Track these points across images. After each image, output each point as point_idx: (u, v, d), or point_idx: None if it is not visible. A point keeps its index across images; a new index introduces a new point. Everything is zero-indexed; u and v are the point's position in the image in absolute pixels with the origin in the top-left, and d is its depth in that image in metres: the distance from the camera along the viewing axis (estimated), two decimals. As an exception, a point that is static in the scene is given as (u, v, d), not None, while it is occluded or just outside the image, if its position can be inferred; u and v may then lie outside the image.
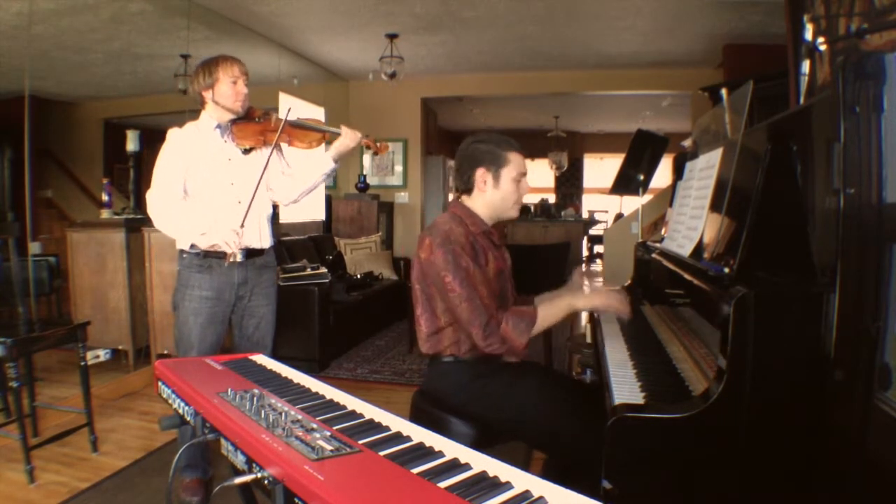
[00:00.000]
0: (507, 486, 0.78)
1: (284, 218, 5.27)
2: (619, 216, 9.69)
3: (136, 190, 3.85)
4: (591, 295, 1.81)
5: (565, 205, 10.79)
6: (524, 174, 1.78)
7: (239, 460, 0.92)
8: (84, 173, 5.53)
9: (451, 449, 0.89)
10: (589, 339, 2.08)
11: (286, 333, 3.59)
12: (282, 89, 5.19)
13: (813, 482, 1.07)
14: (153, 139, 2.09)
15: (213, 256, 2.04)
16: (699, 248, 1.52)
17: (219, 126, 2.09)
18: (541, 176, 11.43)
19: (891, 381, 1.02)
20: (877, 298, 1.04)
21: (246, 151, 2.13)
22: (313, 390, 1.19)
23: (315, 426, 0.94)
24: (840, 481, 1.04)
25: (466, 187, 1.78)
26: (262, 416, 0.97)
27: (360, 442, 0.90)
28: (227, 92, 2.04)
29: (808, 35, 2.58)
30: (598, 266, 9.71)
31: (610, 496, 1.11)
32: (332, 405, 1.10)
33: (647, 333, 1.83)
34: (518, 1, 4.09)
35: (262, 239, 2.16)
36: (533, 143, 10.43)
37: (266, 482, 0.83)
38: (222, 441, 0.98)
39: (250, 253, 2.11)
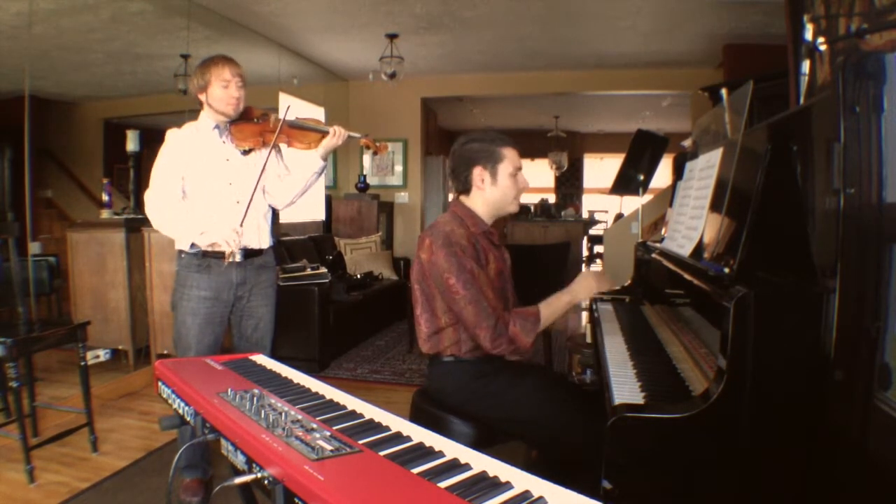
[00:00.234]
0: (507, 486, 0.78)
1: (284, 218, 5.27)
2: (619, 216, 9.68)
3: (136, 190, 3.85)
4: (581, 283, 1.79)
5: (565, 205, 10.79)
6: (520, 168, 1.78)
7: (239, 460, 0.92)
8: (84, 173, 5.53)
9: (451, 449, 0.89)
10: (589, 339, 2.08)
11: (286, 333, 3.59)
12: (282, 89, 5.19)
13: (813, 482, 1.07)
14: (153, 139, 2.09)
15: (211, 256, 2.04)
16: (699, 248, 1.52)
17: (217, 127, 2.09)
18: (541, 176, 11.43)
19: (891, 381, 1.02)
20: (877, 298, 1.04)
21: (245, 152, 2.12)
22: (313, 390, 1.19)
23: (315, 426, 0.94)
24: (840, 481, 1.04)
25: (464, 187, 1.78)
26: (262, 416, 0.97)
27: (360, 442, 0.90)
28: (218, 95, 2.03)
29: (808, 35, 2.58)
30: (598, 266, 9.71)
31: (610, 496, 1.11)
32: (332, 405, 1.10)
33: (647, 333, 1.83)
34: (518, 1, 4.09)
35: (260, 239, 2.16)
36: (533, 143, 10.44)
37: (266, 482, 0.83)
38: (222, 441, 0.98)
39: (249, 253, 2.11)
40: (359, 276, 5.11)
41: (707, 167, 1.63)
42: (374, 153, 2.34)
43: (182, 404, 1.15)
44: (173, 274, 2.17)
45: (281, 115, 2.10)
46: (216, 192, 2.06)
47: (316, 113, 5.64)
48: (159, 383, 1.27)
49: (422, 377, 3.66)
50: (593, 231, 10.23)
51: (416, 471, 0.81)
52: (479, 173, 1.74)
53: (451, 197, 1.86)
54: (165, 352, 3.65)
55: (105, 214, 3.87)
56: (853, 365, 1.04)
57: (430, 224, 1.80)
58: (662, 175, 5.77)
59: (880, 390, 1.02)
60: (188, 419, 1.13)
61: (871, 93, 1.03)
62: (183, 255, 2.08)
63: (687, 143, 2.60)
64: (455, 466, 0.83)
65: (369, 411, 1.06)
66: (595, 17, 4.42)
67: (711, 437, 1.11)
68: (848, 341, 1.04)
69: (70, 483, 2.30)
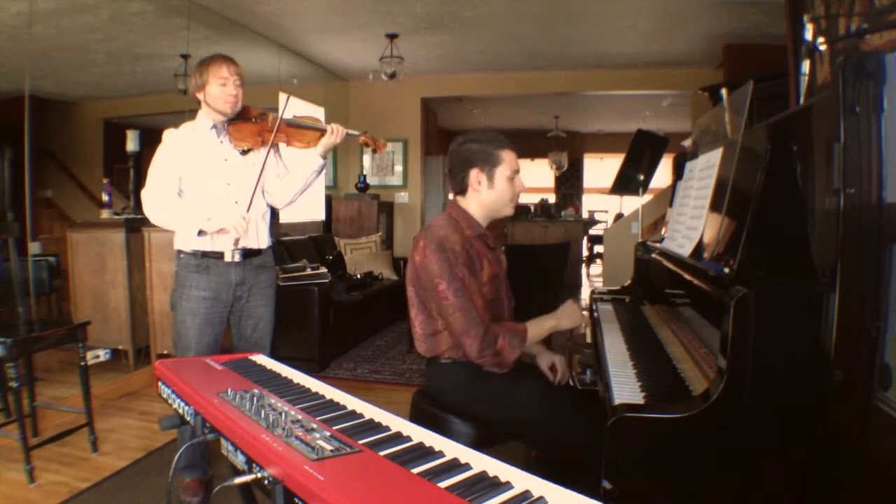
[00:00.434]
0: (507, 486, 0.78)
1: (284, 218, 5.27)
2: (619, 216, 9.69)
3: (136, 190, 3.84)
4: (566, 311, 1.82)
5: (565, 205, 10.78)
6: (517, 171, 1.77)
7: (239, 460, 0.92)
8: (84, 173, 5.53)
9: (451, 449, 0.89)
10: (589, 339, 2.08)
11: (286, 333, 3.59)
12: (282, 89, 5.19)
13: (813, 482, 1.07)
14: (153, 139, 2.09)
15: (210, 257, 2.04)
16: (699, 248, 1.52)
17: (214, 126, 2.08)
18: (541, 176, 11.43)
19: (891, 381, 1.02)
20: (877, 298, 1.04)
21: (244, 152, 2.12)
22: (313, 390, 1.19)
23: (315, 426, 0.94)
24: (840, 481, 1.04)
25: (461, 188, 1.77)
26: (262, 416, 0.97)
27: (360, 442, 0.90)
28: (215, 94, 2.02)
29: (808, 35, 2.58)
30: (598, 266, 9.72)
31: (610, 496, 1.11)
32: (332, 405, 1.10)
33: (647, 333, 1.83)
34: (518, 1, 4.09)
35: (259, 239, 2.16)
36: (533, 143, 10.44)
37: (266, 482, 0.83)
38: (222, 441, 0.98)
39: (248, 253, 2.11)
40: (359, 276, 5.11)
41: (707, 167, 1.63)
42: (374, 150, 2.34)
43: (182, 404, 1.15)
44: (173, 274, 2.17)
45: (280, 110, 2.09)
46: (214, 192, 2.06)
47: (316, 113, 5.64)
48: (159, 383, 1.27)
49: (422, 377, 3.65)
50: (593, 231, 10.24)
51: (416, 471, 0.81)
52: (475, 175, 1.73)
53: (450, 197, 1.85)
54: (165, 352, 3.65)
55: (105, 214, 3.87)
56: (853, 365, 1.04)
57: (426, 225, 1.79)
58: (662, 175, 5.78)
59: (880, 390, 1.02)
60: (188, 419, 1.13)
61: (871, 93, 1.03)
62: (182, 256, 2.08)
63: (687, 143, 2.60)
64: (455, 466, 0.83)
65: (369, 411, 1.06)
66: (595, 17, 4.42)
67: (711, 437, 1.11)
68: (848, 341, 1.04)
69: (70, 483, 2.30)
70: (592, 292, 2.52)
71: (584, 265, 9.46)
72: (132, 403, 3.25)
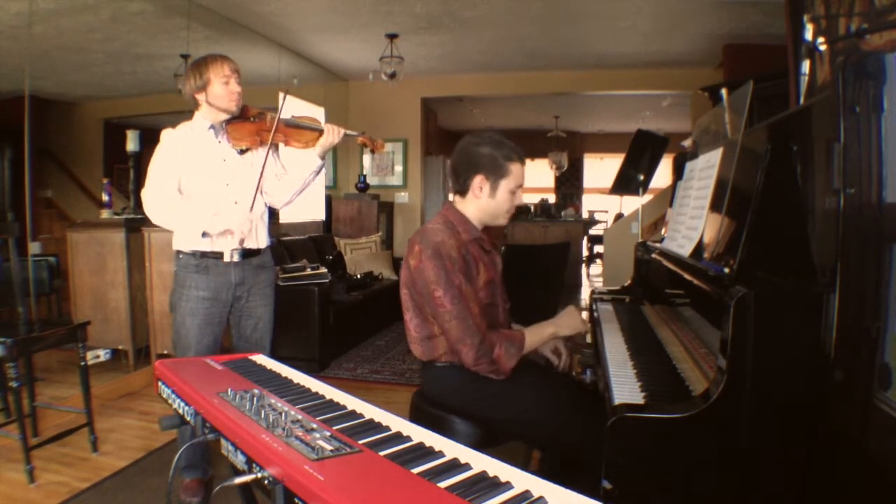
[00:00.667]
0: (507, 486, 0.78)
1: (284, 218, 5.27)
2: (619, 216, 9.69)
3: (135, 190, 3.84)
4: (566, 318, 1.81)
5: (565, 205, 10.78)
6: (521, 186, 1.74)
7: (239, 460, 0.92)
8: (84, 173, 5.53)
9: (451, 449, 0.89)
10: (589, 339, 2.08)
11: (286, 333, 3.59)
12: (281, 89, 5.18)
13: (813, 482, 1.07)
14: (153, 139, 2.08)
15: (210, 257, 2.04)
16: (699, 248, 1.52)
17: (212, 127, 2.07)
18: (541, 176, 11.43)
19: (891, 381, 1.02)
20: (877, 298, 1.04)
21: (242, 152, 2.12)
22: (313, 390, 1.19)
23: (315, 426, 0.94)
24: (840, 481, 1.04)
25: (461, 189, 1.74)
26: (262, 416, 0.97)
27: (360, 442, 0.90)
28: (219, 92, 2.01)
29: (808, 35, 2.58)
30: (598, 266, 9.72)
31: (610, 496, 1.11)
32: (332, 405, 1.10)
33: (647, 333, 1.83)
34: (518, 1, 4.09)
35: (258, 239, 2.15)
36: (533, 143, 10.43)
37: (266, 482, 0.83)
38: (222, 441, 0.98)
39: (247, 253, 2.11)
40: (359, 276, 5.11)
41: (707, 167, 1.63)
42: (372, 151, 2.34)
43: (182, 404, 1.15)
44: (173, 274, 2.17)
45: (278, 110, 2.09)
46: (213, 192, 2.06)
47: (316, 113, 5.64)
48: (159, 383, 1.27)
49: (421, 377, 3.65)
50: (593, 231, 10.24)
51: (416, 471, 0.81)
52: (479, 181, 1.70)
53: (450, 197, 1.84)
54: (165, 352, 3.65)
55: (105, 214, 3.87)
56: (853, 365, 1.04)
57: (421, 227, 1.76)
58: (662, 175, 5.78)
59: (880, 390, 1.02)
60: (188, 419, 1.13)
61: (871, 93, 1.03)
62: (181, 256, 2.07)
63: (687, 143, 2.60)
64: (455, 466, 0.83)
65: (369, 411, 1.06)
66: (595, 17, 4.42)
67: (711, 437, 1.11)
68: (848, 341, 1.04)
69: (70, 483, 2.30)
70: (592, 292, 2.53)
71: (584, 265, 9.47)
72: (132, 403, 3.25)
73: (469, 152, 1.72)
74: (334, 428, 0.95)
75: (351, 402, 1.11)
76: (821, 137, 1.18)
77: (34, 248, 4.00)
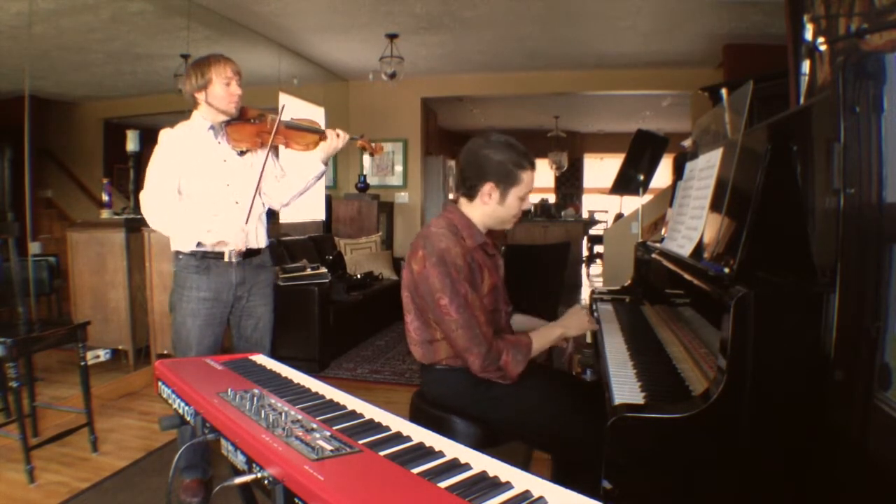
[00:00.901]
0: (507, 486, 0.78)
1: (284, 218, 5.28)
2: (619, 216, 9.70)
3: (135, 190, 3.84)
4: (573, 318, 1.80)
5: (565, 205, 10.79)
6: (531, 190, 1.71)
7: (239, 460, 0.92)
8: (84, 173, 5.52)
9: (451, 449, 0.89)
10: (589, 339, 2.08)
11: (286, 333, 3.60)
12: (282, 89, 5.19)
13: (813, 482, 1.07)
14: (153, 139, 2.08)
15: (210, 257, 2.04)
16: (699, 248, 1.52)
17: (212, 127, 2.07)
18: (541, 176, 11.37)
19: (891, 381, 1.02)
20: (877, 298, 1.04)
21: (242, 153, 2.12)
22: (313, 390, 1.19)
23: (315, 426, 0.94)
24: (840, 481, 1.04)
25: (468, 193, 1.69)
26: (262, 416, 0.97)
27: (360, 442, 0.90)
28: (220, 94, 2.01)
29: (808, 35, 2.58)
30: (598, 266, 9.72)
31: (610, 496, 1.11)
32: (332, 405, 1.10)
33: (647, 333, 1.83)
34: (518, 1, 4.09)
35: (258, 239, 2.15)
36: (533, 143, 10.38)
37: (266, 482, 0.83)
38: (222, 441, 0.98)
39: (247, 253, 2.11)
40: (359, 276, 5.11)
41: (707, 167, 1.63)
42: (371, 154, 2.35)
43: (182, 404, 1.15)
44: (172, 274, 2.17)
45: (278, 112, 2.09)
46: (214, 193, 2.05)
47: (316, 113, 5.64)
48: (159, 383, 1.27)
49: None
50: (593, 231, 10.24)
51: (416, 471, 0.81)
52: (489, 188, 1.65)
53: (450, 196, 1.81)
54: (165, 352, 3.65)
55: (105, 214, 3.87)
56: (853, 365, 1.04)
57: (423, 229, 1.71)
58: (662, 175, 5.77)
59: (880, 390, 1.02)
60: (188, 419, 1.13)
61: (871, 93, 1.03)
62: (181, 257, 2.07)
63: (687, 143, 2.60)
64: (455, 466, 0.83)
65: (369, 411, 1.06)
66: (595, 17, 4.42)
67: (711, 437, 1.11)
68: (848, 341, 1.04)
69: (70, 483, 2.30)
70: (592, 292, 2.53)
71: (584, 265, 9.47)
72: (132, 403, 3.26)
73: (480, 156, 1.66)
74: (334, 428, 0.95)
75: (351, 402, 1.11)
76: (821, 137, 1.18)
77: (34, 248, 3.99)
